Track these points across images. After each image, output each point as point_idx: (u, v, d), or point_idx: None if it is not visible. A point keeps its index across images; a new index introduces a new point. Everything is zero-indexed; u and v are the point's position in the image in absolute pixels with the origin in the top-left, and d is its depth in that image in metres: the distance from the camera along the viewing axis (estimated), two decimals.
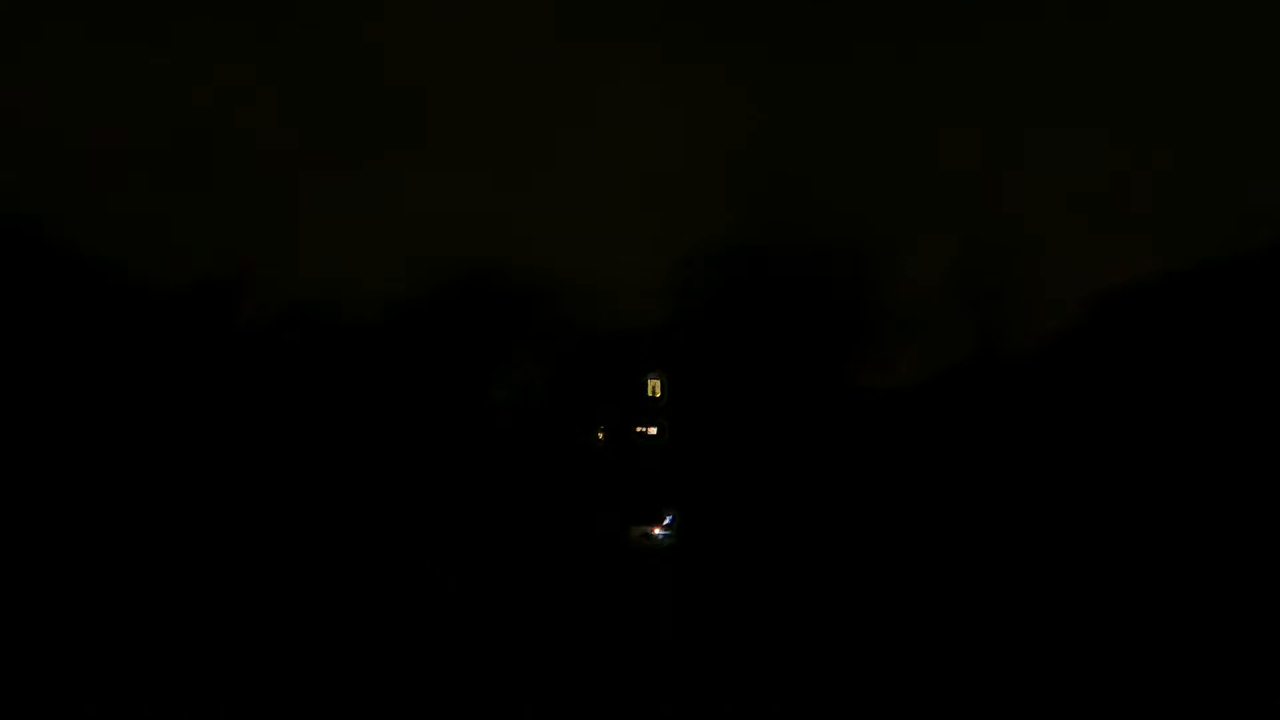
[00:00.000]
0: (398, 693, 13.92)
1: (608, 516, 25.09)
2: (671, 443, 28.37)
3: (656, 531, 25.68)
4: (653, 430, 29.14)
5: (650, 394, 29.76)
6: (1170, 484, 18.18)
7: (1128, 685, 15.08)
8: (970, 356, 25.15)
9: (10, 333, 19.81)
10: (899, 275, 29.15)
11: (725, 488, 25.13)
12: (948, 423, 23.64)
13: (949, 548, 20.16)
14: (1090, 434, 20.13)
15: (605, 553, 23.38)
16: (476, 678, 14.61)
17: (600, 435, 29.08)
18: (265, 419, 23.46)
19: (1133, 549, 17.57)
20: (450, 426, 25.80)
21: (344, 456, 23.94)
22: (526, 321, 28.47)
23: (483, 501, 24.42)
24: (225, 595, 18.60)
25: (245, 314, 25.49)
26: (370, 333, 26.39)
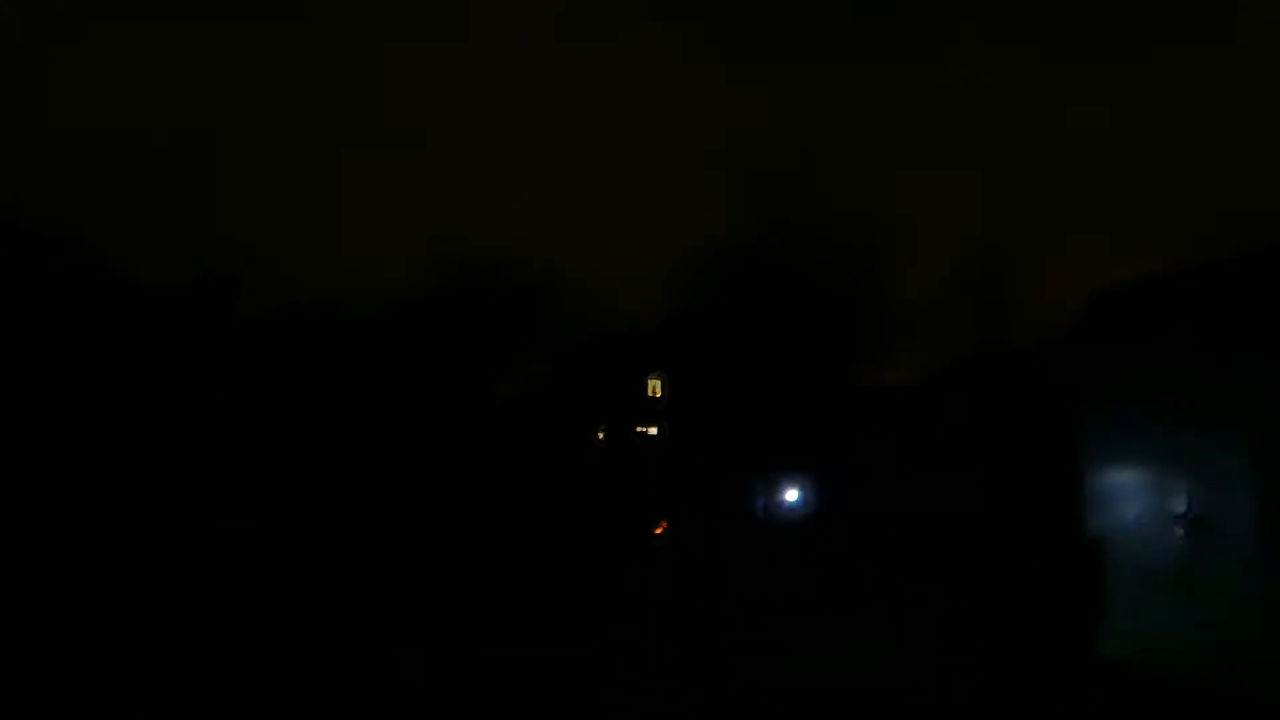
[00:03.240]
0: (399, 692, 13.89)
1: (608, 516, 25.07)
2: (671, 443, 28.36)
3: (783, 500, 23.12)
4: (653, 430, 29.13)
5: (650, 394, 29.75)
6: (1168, 483, 18.16)
7: (1133, 685, 15.05)
8: (972, 356, 25.14)
9: (9, 333, 19.79)
10: (899, 275, 29.15)
11: (725, 487, 25.12)
12: (949, 422, 23.62)
13: (950, 547, 20.14)
14: (1090, 433, 20.10)
15: (606, 552, 23.36)
16: (477, 677, 14.59)
17: (600, 435, 29.08)
18: (265, 419, 23.44)
19: (1132, 547, 17.56)
20: (450, 426, 25.79)
21: (343, 456, 23.93)
22: (527, 321, 28.45)
23: (482, 501, 24.42)
24: (227, 595, 18.59)
25: (245, 314, 25.47)
26: (370, 332, 26.38)
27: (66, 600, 16.88)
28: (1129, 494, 17.12)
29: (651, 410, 29.34)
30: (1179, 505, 15.65)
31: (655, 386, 29.71)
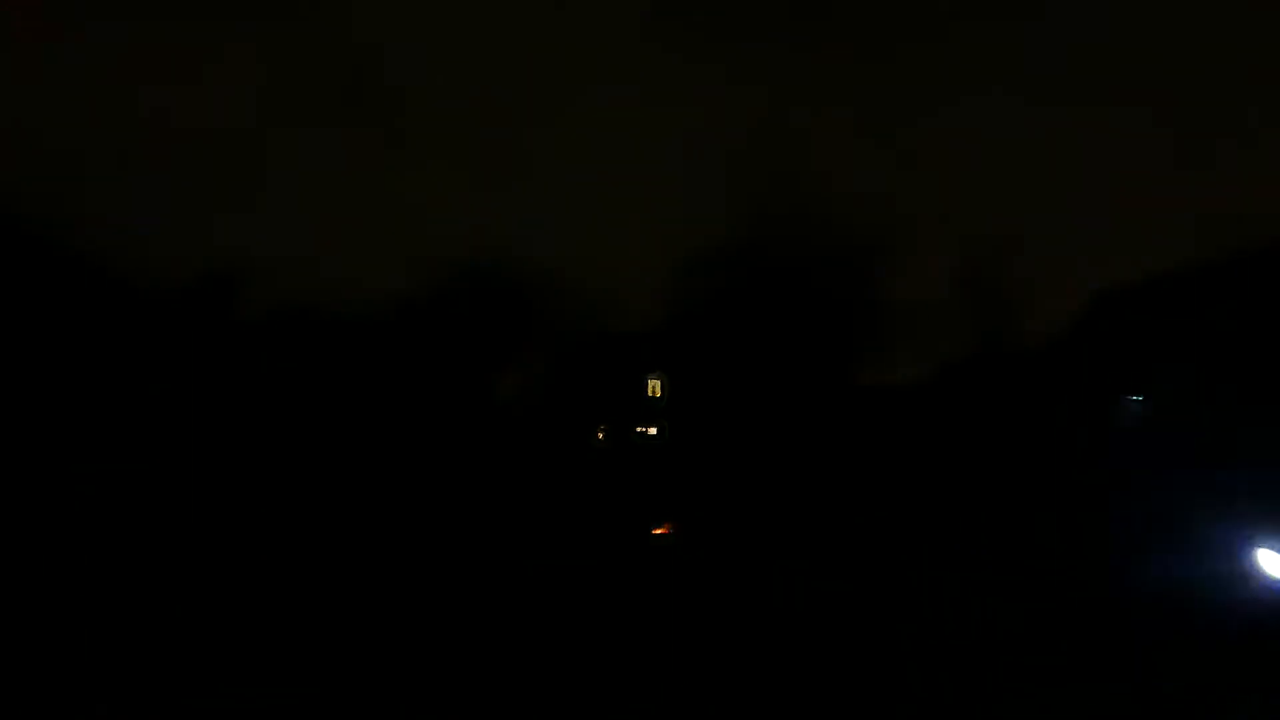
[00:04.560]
0: (398, 693, 13.89)
1: (608, 516, 25.03)
2: (671, 443, 28.38)
3: None
4: (653, 430, 29.16)
5: (650, 394, 29.78)
6: (1169, 483, 18.16)
7: (1127, 683, 15.05)
8: (971, 355, 25.18)
9: (9, 333, 19.81)
10: (899, 275, 29.19)
11: (726, 488, 25.10)
12: (949, 422, 23.64)
13: (950, 546, 20.14)
14: (1091, 433, 20.12)
15: (606, 553, 23.31)
16: (478, 677, 14.57)
17: (600, 435, 29.11)
18: (265, 419, 23.45)
19: (1131, 548, 17.54)
20: (450, 426, 25.79)
21: (344, 456, 23.94)
22: (527, 321, 28.49)
23: (482, 501, 24.41)
24: (225, 595, 18.57)
25: (245, 314, 25.50)
26: (370, 332, 26.39)
27: (64, 599, 16.87)
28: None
29: (651, 410, 29.37)
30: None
31: (655, 386, 29.74)
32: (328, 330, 25.73)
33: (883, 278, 26.87)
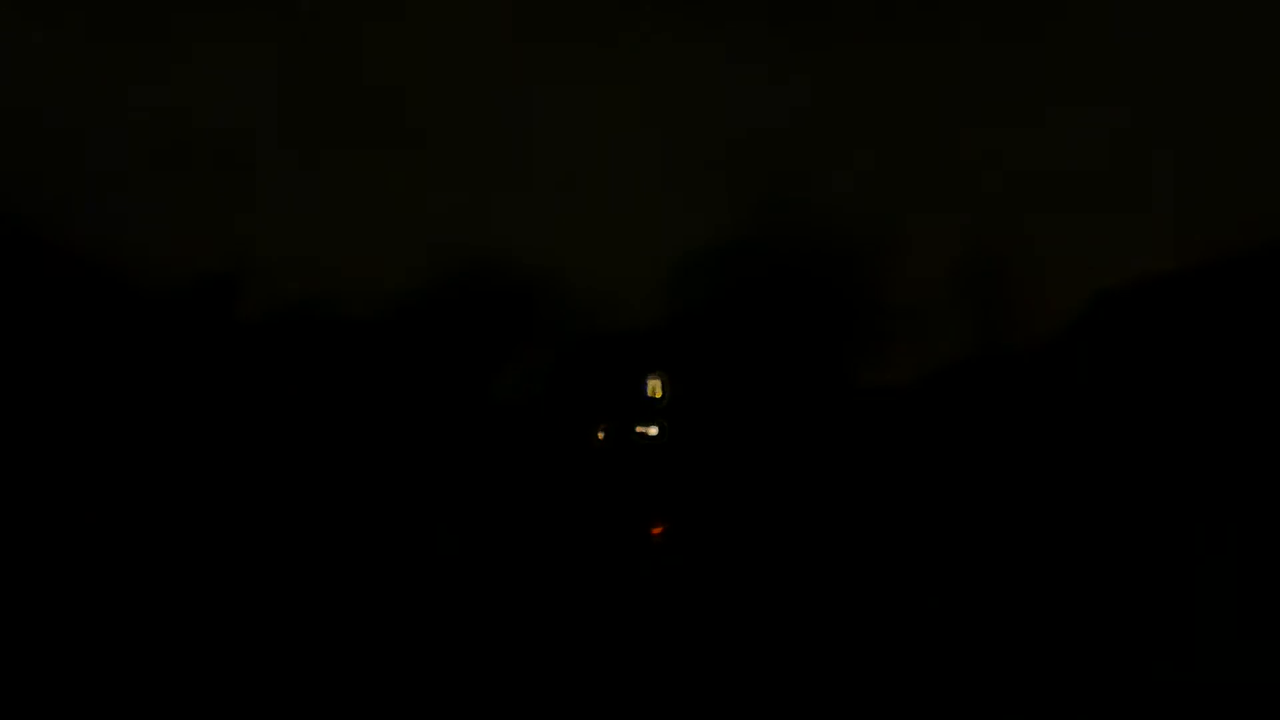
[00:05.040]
0: (398, 693, 13.89)
1: (608, 516, 25.05)
2: (671, 443, 28.38)
3: None
4: (653, 430, 29.15)
5: (650, 394, 29.77)
6: (1170, 484, 18.19)
7: (1125, 685, 15.06)
8: (971, 355, 25.17)
9: (10, 333, 19.82)
10: (899, 274, 29.17)
11: (725, 488, 25.12)
12: (948, 422, 23.64)
13: (950, 547, 20.16)
14: (1091, 434, 20.15)
15: (606, 552, 23.36)
16: (477, 677, 14.59)
17: (600, 435, 29.10)
18: (265, 418, 23.46)
19: (1132, 549, 17.58)
20: (449, 426, 25.80)
21: (343, 457, 23.94)
22: (526, 321, 28.48)
23: (482, 501, 24.42)
24: (225, 595, 18.60)
25: (245, 314, 25.50)
26: (369, 332, 26.40)
27: (66, 599, 16.89)
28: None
29: (651, 410, 29.36)
30: None
31: (655, 386, 29.73)
32: (328, 330, 25.73)
33: (882, 277, 26.87)
